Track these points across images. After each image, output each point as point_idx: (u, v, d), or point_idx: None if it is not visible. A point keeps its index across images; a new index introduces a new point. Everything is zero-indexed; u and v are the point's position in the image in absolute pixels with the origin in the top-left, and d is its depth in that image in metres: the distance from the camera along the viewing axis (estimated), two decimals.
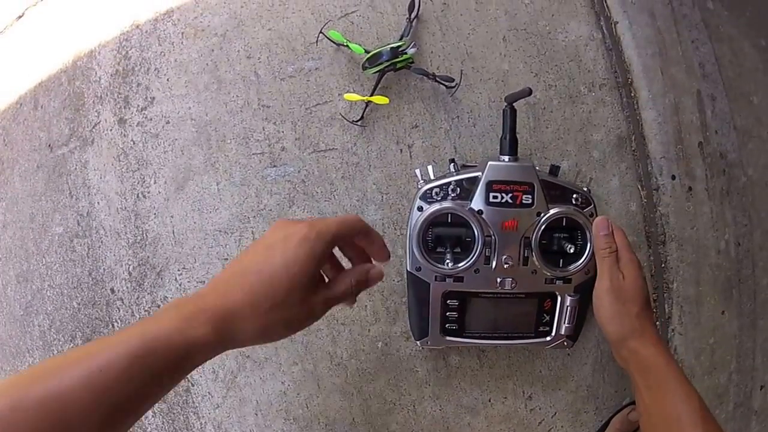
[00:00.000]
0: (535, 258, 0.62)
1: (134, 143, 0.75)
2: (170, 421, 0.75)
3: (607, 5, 0.74)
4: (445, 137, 0.68)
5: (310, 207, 0.69)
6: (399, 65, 0.66)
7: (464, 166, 0.67)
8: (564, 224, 0.62)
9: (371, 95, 0.66)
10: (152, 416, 0.76)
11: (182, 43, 0.74)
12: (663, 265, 0.76)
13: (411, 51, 0.67)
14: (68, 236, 0.77)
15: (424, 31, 0.70)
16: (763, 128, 0.83)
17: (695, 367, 0.81)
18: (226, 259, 0.70)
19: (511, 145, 0.62)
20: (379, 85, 0.66)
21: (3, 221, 0.83)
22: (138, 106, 0.75)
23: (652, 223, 0.74)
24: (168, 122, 0.73)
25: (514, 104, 0.62)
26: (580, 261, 0.63)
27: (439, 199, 0.61)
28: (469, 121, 0.69)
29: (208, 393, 0.72)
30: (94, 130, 0.78)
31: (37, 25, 0.90)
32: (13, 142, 0.84)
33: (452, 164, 0.64)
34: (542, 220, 0.61)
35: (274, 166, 0.69)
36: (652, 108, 0.72)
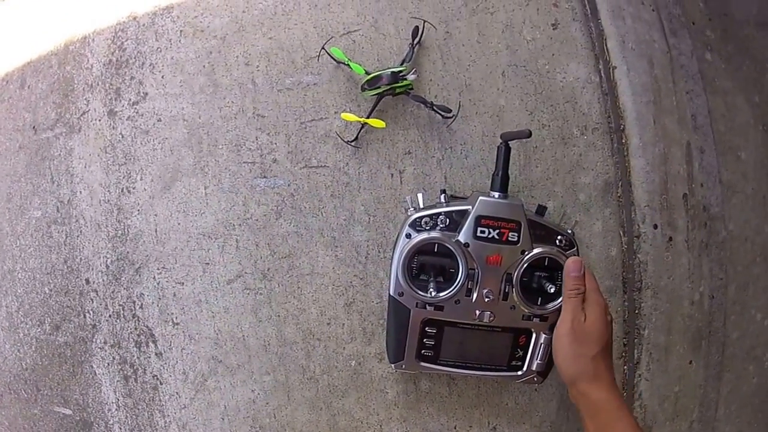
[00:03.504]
0: (515, 294, 0.68)
1: (123, 137, 0.82)
2: (134, 416, 0.82)
3: (607, 49, 0.83)
4: (436, 166, 0.76)
5: (296, 221, 0.76)
6: (398, 90, 0.74)
7: (454, 197, 0.75)
8: (546, 264, 0.69)
9: (368, 117, 0.74)
10: (116, 409, 0.84)
11: (180, 41, 0.81)
12: (636, 312, 0.85)
13: (411, 77, 0.74)
14: (46, 221, 0.84)
15: (425, 58, 0.78)
16: (748, 184, 0.93)
17: (658, 413, 0.91)
18: (208, 263, 0.77)
19: (502, 182, 0.69)
20: (376, 108, 0.74)
21: None
22: (130, 99, 0.82)
23: (630, 269, 0.83)
24: (159, 120, 0.81)
25: (509, 142, 0.70)
26: (558, 301, 0.69)
27: (427, 228, 0.67)
28: (461, 152, 0.77)
29: (176, 393, 0.79)
30: (82, 118, 0.85)
31: (28, 2, 0.96)
32: None
33: (443, 195, 0.71)
34: (525, 258, 0.67)
35: (265, 177, 0.77)
36: (642, 156, 0.81)
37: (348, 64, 0.74)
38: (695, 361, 0.89)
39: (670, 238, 0.84)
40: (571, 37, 0.81)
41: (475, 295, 0.67)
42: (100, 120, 0.81)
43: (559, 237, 0.69)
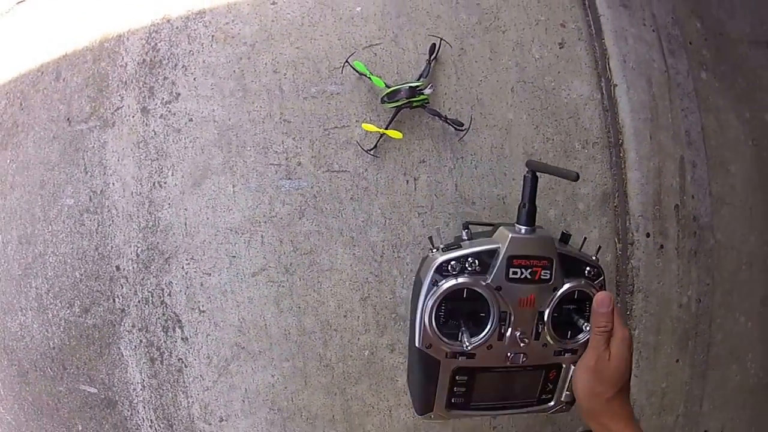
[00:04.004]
0: (547, 332, 0.66)
1: (155, 134, 0.89)
2: (158, 396, 0.91)
3: (609, 68, 0.91)
4: (448, 175, 0.84)
5: (318, 221, 0.84)
6: (415, 104, 0.82)
7: (470, 224, 0.71)
8: (575, 297, 0.67)
9: (386, 128, 0.82)
10: (141, 389, 0.92)
11: (212, 46, 0.89)
12: (628, 313, 0.94)
13: (427, 92, 0.82)
14: (78, 209, 0.92)
15: (441, 72, 0.86)
16: (737, 196, 1.01)
17: (645, 407, 1.00)
18: (234, 256, 0.85)
19: (529, 215, 0.66)
20: (395, 120, 0.82)
21: (11, 183, 0.98)
22: (163, 99, 0.89)
23: (624, 274, 0.92)
24: (191, 120, 0.88)
25: (537, 173, 0.67)
26: (587, 333, 0.66)
27: (455, 273, 0.64)
28: (471, 162, 0.85)
29: (200, 375, 0.87)
30: (116, 113, 0.92)
31: None
32: (30, 108, 0.98)
33: (465, 231, 0.69)
34: (557, 295, 0.65)
35: (289, 178, 0.84)
36: (638, 169, 0.90)
37: (369, 77, 0.82)
38: (682, 360, 0.97)
39: (662, 246, 0.92)
40: (576, 56, 0.89)
41: (507, 338, 0.65)
42: (133, 116, 0.89)
43: (587, 268, 0.67)
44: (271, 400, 0.86)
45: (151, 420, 0.92)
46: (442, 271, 0.63)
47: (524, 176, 0.67)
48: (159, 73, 0.88)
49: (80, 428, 0.98)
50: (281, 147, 0.84)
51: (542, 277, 0.63)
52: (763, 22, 1.11)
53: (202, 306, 0.85)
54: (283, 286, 0.84)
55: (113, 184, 0.89)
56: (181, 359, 0.88)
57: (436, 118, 0.82)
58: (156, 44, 0.90)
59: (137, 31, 0.91)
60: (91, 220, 0.90)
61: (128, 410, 0.93)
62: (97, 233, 0.90)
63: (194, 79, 0.87)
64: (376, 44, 0.85)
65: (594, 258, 0.69)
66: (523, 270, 0.62)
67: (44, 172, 0.93)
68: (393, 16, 0.85)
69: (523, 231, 0.65)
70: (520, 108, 0.86)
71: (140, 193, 0.88)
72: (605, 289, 0.68)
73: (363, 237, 0.84)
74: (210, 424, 0.89)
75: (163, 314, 0.87)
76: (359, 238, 0.83)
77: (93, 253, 0.90)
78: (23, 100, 0.98)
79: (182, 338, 0.87)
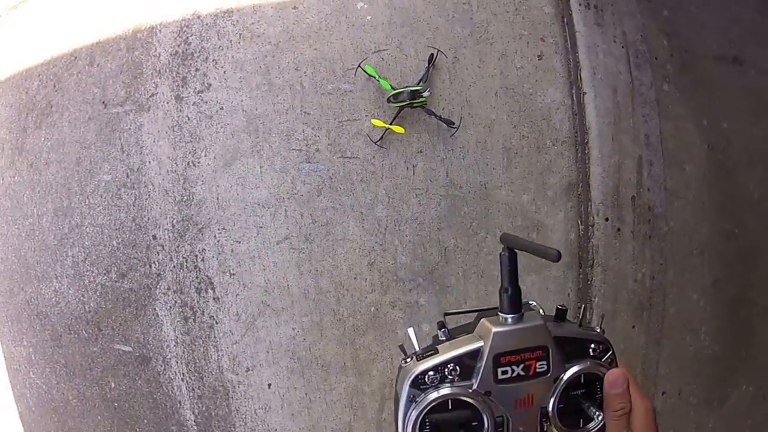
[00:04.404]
0: (554, 428, 0.62)
1: (189, 119, 1.15)
2: (190, 351, 1.17)
3: (580, 78, 1.19)
4: (441, 164, 1.13)
5: (333, 198, 1.11)
6: (415, 104, 1.09)
7: (448, 314, 0.70)
8: (582, 380, 0.62)
9: (391, 123, 1.09)
10: (174, 345, 1.17)
11: (239, 43, 1.16)
12: (589, 283, 1.20)
13: (426, 94, 1.08)
14: (116, 185, 1.18)
15: (437, 77, 1.14)
16: (690, 192, 1.29)
17: None
18: (261, 227, 1.12)
19: (513, 301, 0.60)
20: (398, 117, 1.10)
21: (46, 159, 1.25)
22: (195, 88, 1.16)
23: (585, 250, 1.19)
24: (222, 108, 1.14)
25: (515, 249, 0.60)
26: (601, 418, 0.62)
27: (435, 384, 0.59)
28: (460, 154, 1.13)
29: (229, 331, 1.14)
30: (151, 99, 1.17)
31: None
32: (64, 90, 1.24)
33: (442, 330, 0.62)
34: (560, 386, 0.60)
35: (309, 162, 1.12)
36: (599, 165, 1.19)
37: (378, 80, 1.10)
38: (637, 327, 1.26)
39: (619, 229, 1.21)
40: (552, 67, 1.18)
41: None
42: (167, 103, 1.16)
43: (592, 345, 0.62)
44: (291, 350, 1.13)
45: (183, 373, 1.19)
46: (419, 384, 0.59)
47: (500, 255, 0.61)
48: (191, 64, 1.16)
49: (113, 385, 1.26)
50: (302, 135, 1.12)
51: (538, 370, 0.60)
52: (730, 40, 1.41)
53: (233, 270, 1.13)
54: (303, 253, 1.12)
55: (149, 162, 1.16)
56: (213, 317, 1.15)
57: (432, 116, 1.10)
58: (187, 38, 1.17)
59: (169, 24, 1.18)
60: (128, 194, 1.17)
61: (161, 365, 1.20)
62: (134, 206, 1.16)
63: (224, 72, 1.14)
64: (383, 50, 1.13)
65: (598, 330, 0.64)
66: (514, 367, 0.59)
67: (80, 150, 1.20)
68: (398, 25, 1.14)
69: (508, 320, 0.61)
70: (501, 110, 1.14)
71: (175, 171, 1.15)
72: (616, 364, 0.63)
73: (370, 213, 1.12)
74: (237, 374, 1.15)
75: (197, 277, 1.14)
76: (367, 213, 1.12)
77: (130, 223, 1.16)
78: (57, 82, 1.25)
79: (214, 298, 1.14)
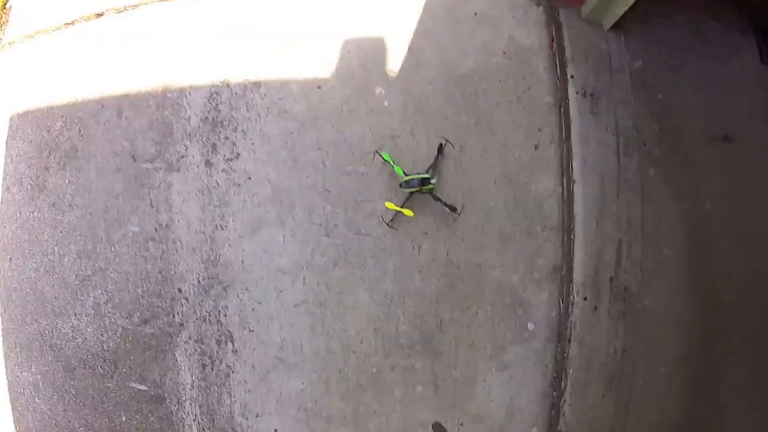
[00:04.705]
0: None
1: (218, 184, 1.36)
2: (205, 395, 1.37)
3: (572, 166, 1.43)
4: (443, 245, 1.34)
5: (347, 270, 1.32)
6: (424, 191, 1.30)
7: None
8: None
9: (402, 206, 1.31)
10: (190, 389, 1.37)
11: (267, 117, 1.39)
12: (565, 355, 1.42)
13: (434, 181, 1.29)
14: (143, 237, 1.39)
15: (444, 164, 1.35)
16: (666, 271, 1.53)
17: (576, 430, 1.52)
18: (281, 291, 1.33)
19: None
20: (408, 200, 1.32)
21: (70, 202, 1.48)
22: (224, 156, 1.37)
23: (564, 326, 1.41)
24: (250, 178, 1.36)
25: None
26: None
27: None
28: (460, 236, 1.35)
29: (244, 380, 1.34)
30: (181, 160, 1.39)
31: (119, 32, 1.54)
32: (90, 137, 1.48)
33: None
34: None
35: (328, 236, 1.33)
36: (582, 249, 1.42)
37: (392, 166, 1.32)
38: (607, 396, 1.50)
39: (596, 307, 1.44)
40: (546, 157, 1.42)
41: None
42: (197, 166, 1.38)
43: None
44: (299, 402, 1.33)
45: (195, 414, 1.40)
46: None
47: None
48: (221, 132, 1.40)
49: (124, 419, 1.48)
50: (322, 211, 1.34)
51: None
52: (722, 118, 1.67)
53: (252, 326, 1.35)
54: (317, 316, 1.34)
55: (178, 221, 1.37)
56: (230, 366, 1.35)
57: (438, 202, 1.32)
58: (217, 105, 1.41)
59: (199, 88, 1.42)
60: (156, 248, 1.38)
61: (175, 405, 1.41)
62: (161, 259, 1.37)
63: (252, 144, 1.37)
64: (398, 136, 1.36)
65: None
66: None
67: (108, 198, 1.42)
68: (411, 111, 1.37)
69: None
70: (499, 197, 1.37)
71: (203, 232, 1.37)
72: None
73: (379, 285, 1.33)
74: (247, 419, 1.35)
75: (218, 330, 1.35)
76: (376, 285, 1.34)
77: (156, 275, 1.37)
78: (82, 127, 1.49)
79: (232, 350, 1.35)
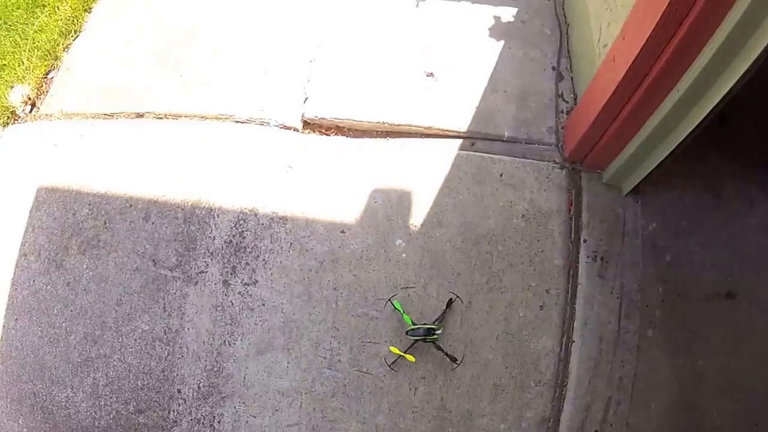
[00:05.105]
0: None
1: (232, 304, 1.42)
2: None
3: (573, 327, 1.47)
4: (438, 390, 1.38)
5: (343, 402, 1.38)
6: (428, 340, 1.36)
7: None
8: None
9: (405, 352, 1.36)
10: None
11: (289, 252, 1.43)
12: None
13: (439, 332, 1.34)
14: (152, 336, 1.45)
15: (450, 317, 1.40)
16: (651, 425, 1.59)
17: None
18: (277, 410, 1.38)
19: None
20: (412, 347, 1.39)
21: (85, 287, 1.54)
22: (242, 280, 1.43)
23: None
24: (263, 305, 1.41)
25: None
26: None
27: None
28: (455, 384, 1.39)
29: None
30: (200, 275, 1.45)
31: (156, 137, 1.62)
32: (115, 231, 1.54)
33: None
34: None
35: (330, 368, 1.38)
36: (572, 405, 1.46)
37: (402, 314, 1.37)
38: None
39: None
40: (549, 317, 1.45)
41: None
42: (215, 284, 1.43)
43: None
44: None
45: None
46: None
47: None
48: (242, 257, 1.44)
49: None
50: (328, 345, 1.39)
51: None
52: (727, 274, 1.70)
53: None
54: None
55: (188, 329, 1.43)
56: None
57: (440, 351, 1.37)
58: (243, 231, 1.46)
59: (228, 212, 1.46)
60: (162, 348, 1.44)
61: None
62: (166, 360, 1.43)
63: (271, 274, 1.41)
64: (411, 287, 1.40)
65: None
66: None
67: (123, 293, 1.47)
68: (427, 266, 1.41)
69: None
70: (498, 352, 1.42)
71: (211, 344, 1.42)
72: None
73: (371, 419, 1.38)
74: None
75: None
76: (369, 419, 1.38)
77: (159, 373, 1.43)
78: (108, 220, 1.54)
79: None
